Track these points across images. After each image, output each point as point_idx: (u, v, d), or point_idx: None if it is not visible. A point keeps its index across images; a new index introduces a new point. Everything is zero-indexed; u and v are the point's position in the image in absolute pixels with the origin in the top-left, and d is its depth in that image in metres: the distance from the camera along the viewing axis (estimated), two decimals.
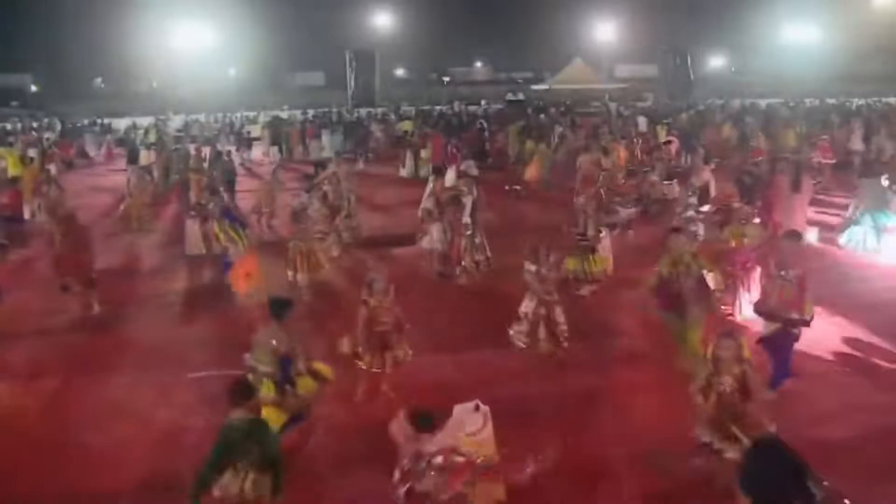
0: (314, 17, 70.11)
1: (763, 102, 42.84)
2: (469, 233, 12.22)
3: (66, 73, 69.95)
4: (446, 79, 77.81)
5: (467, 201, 12.23)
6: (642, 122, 30.44)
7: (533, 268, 8.62)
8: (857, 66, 67.18)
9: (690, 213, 13.88)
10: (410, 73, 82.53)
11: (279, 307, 7.20)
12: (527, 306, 8.78)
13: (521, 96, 44.53)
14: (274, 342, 6.94)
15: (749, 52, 75.99)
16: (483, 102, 45.16)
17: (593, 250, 11.48)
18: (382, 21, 73.58)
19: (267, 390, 6.78)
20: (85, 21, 64.73)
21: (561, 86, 44.06)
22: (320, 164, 17.48)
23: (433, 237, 12.69)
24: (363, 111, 41.33)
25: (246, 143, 27.34)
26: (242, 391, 5.63)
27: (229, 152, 22.36)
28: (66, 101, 62.17)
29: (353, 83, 45.27)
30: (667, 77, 49.40)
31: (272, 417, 6.51)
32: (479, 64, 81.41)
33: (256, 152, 30.35)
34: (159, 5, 61.37)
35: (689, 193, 14.30)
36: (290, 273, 11.53)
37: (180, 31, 61.38)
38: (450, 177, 22.33)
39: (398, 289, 8.29)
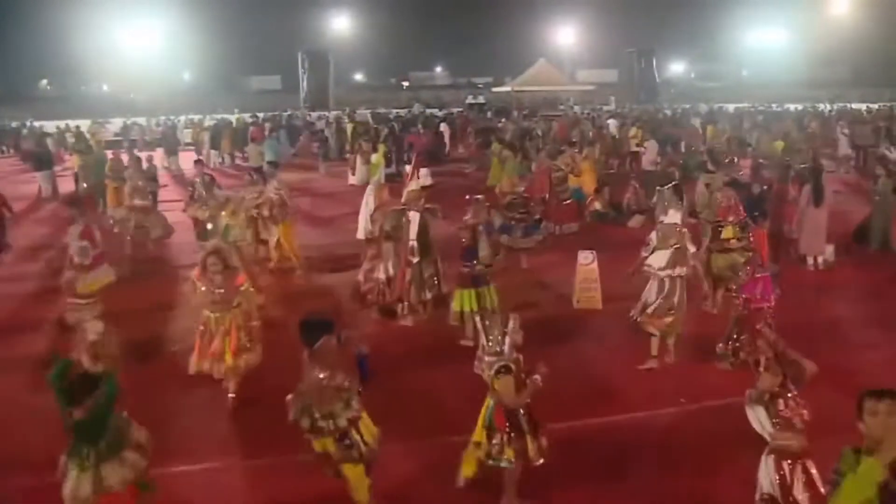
0: (271, 20, 67.05)
1: (731, 107, 40.84)
2: (416, 261, 9.24)
3: (9, 73, 65.59)
4: (406, 83, 74.86)
5: (413, 220, 9.28)
6: (612, 124, 27.82)
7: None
8: (815, 72, 66.42)
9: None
10: (370, 78, 79.65)
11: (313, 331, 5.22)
12: None
13: (481, 99, 41.84)
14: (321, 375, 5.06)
15: (710, 59, 74.93)
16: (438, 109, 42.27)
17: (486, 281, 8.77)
18: (341, 24, 70.71)
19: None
20: (29, 21, 60.77)
21: (524, 88, 41.33)
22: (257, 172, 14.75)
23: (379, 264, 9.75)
24: (315, 114, 38.15)
25: (170, 147, 24.05)
26: None
27: (150, 157, 19.11)
28: (9, 102, 58.03)
29: (305, 85, 42.01)
30: (632, 80, 47.11)
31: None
32: (439, 69, 78.66)
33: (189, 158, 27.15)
34: (110, 6, 57.88)
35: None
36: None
37: (132, 32, 57.89)
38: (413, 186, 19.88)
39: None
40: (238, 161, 28.07)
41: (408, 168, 19.93)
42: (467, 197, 18.58)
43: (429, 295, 9.29)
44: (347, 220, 16.02)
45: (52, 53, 64.11)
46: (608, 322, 9.59)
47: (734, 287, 7.94)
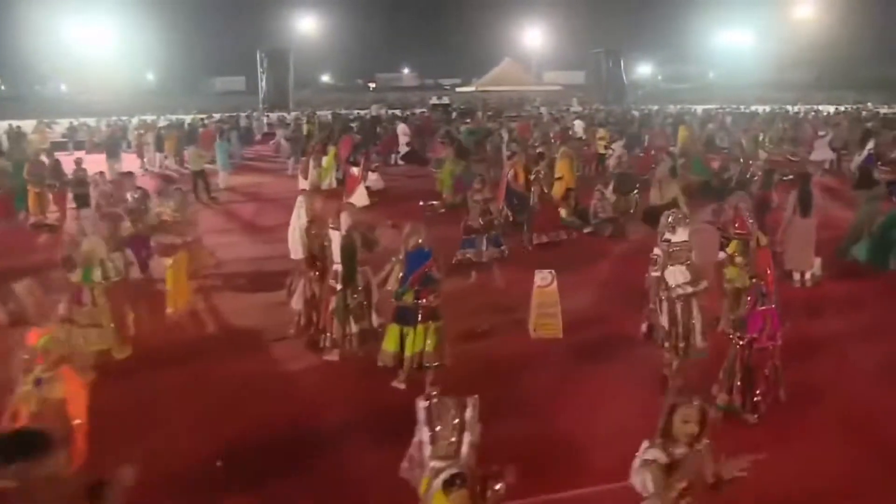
0: (236, 21, 65.19)
1: (699, 108, 39.78)
2: (340, 288, 7.63)
3: None
4: (372, 84, 73.10)
5: (334, 241, 7.69)
6: (579, 126, 26.42)
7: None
8: (781, 75, 66.08)
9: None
10: (337, 79, 77.83)
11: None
12: None
13: (445, 100, 40.22)
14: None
15: (677, 60, 74.35)
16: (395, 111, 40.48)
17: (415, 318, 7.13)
18: (307, 25, 68.96)
19: None
20: None
21: (489, 88, 39.78)
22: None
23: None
24: (275, 115, 36.29)
25: (112, 150, 22.06)
26: None
27: (80, 160, 17.26)
28: None
29: (264, 85, 40.03)
30: (599, 81, 45.82)
31: None
32: (407, 70, 76.99)
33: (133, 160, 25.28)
34: (67, 4, 55.52)
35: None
36: None
37: (89, 31, 55.59)
38: (361, 193, 18.22)
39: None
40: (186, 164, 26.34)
41: (355, 171, 18.50)
42: (421, 203, 17.31)
43: (355, 328, 7.66)
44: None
45: (6, 51, 61.52)
46: (571, 356, 8.08)
47: (733, 320, 6.45)
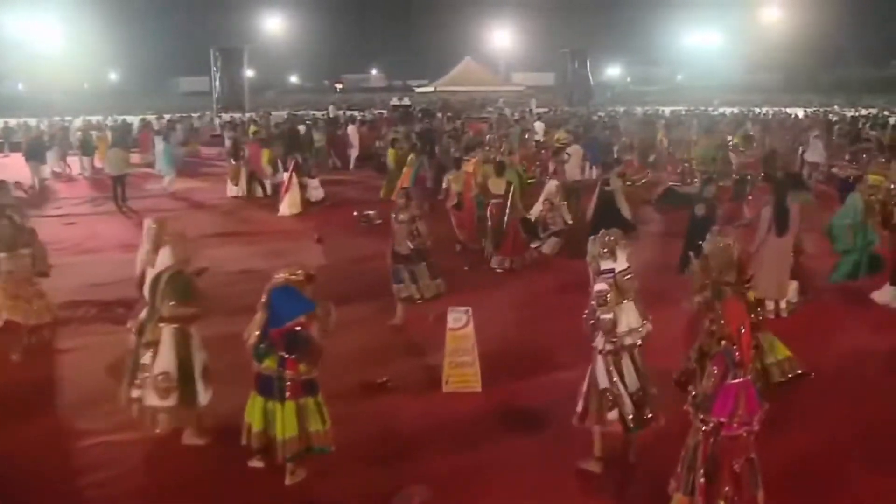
0: (201, 20, 62.70)
1: (667, 110, 38.23)
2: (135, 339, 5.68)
3: None
4: (339, 86, 70.91)
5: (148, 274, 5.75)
6: (539, 127, 24.60)
7: None
8: (748, 77, 65.10)
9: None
10: (305, 80, 75.63)
11: None
12: None
13: (406, 101, 38.27)
14: None
15: (646, 63, 73.17)
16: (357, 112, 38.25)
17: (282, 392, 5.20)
18: (274, 25, 66.73)
19: None
20: None
21: (449, 87, 37.86)
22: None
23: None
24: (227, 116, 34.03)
25: (33, 152, 19.80)
26: None
27: None
28: None
29: (218, 85, 37.72)
30: (566, 81, 44.10)
31: None
32: (375, 71, 74.85)
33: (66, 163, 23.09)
34: (27, 2, 52.74)
35: None
36: None
37: (47, 29, 52.78)
38: (291, 201, 16.24)
39: None
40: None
41: (284, 177, 16.51)
42: (355, 213, 15.38)
43: (158, 399, 5.63)
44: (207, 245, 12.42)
45: None
46: (490, 420, 6.21)
47: (693, 397, 4.59)
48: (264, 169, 17.90)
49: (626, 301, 5.12)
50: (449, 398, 6.61)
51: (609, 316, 5.03)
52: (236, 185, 18.38)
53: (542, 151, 19.14)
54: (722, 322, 4.51)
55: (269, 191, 17.84)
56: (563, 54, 44.32)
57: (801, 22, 58.04)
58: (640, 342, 5.20)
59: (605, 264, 5.12)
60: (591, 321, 5.11)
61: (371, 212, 14.66)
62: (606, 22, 67.09)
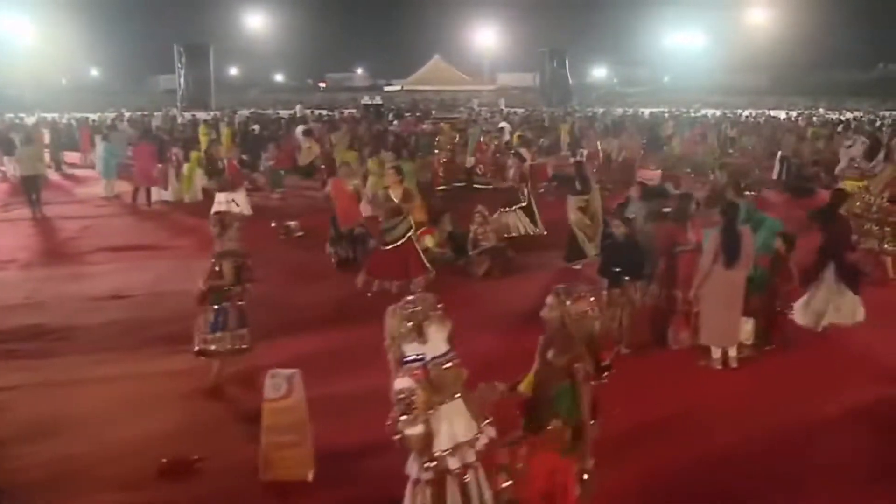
0: (181, 18, 60.56)
1: (647, 111, 36.52)
2: None
3: None
4: (322, 84, 68.94)
5: None
6: (507, 128, 22.75)
7: None
8: (735, 79, 63.38)
9: None
10: (289, 79, 73.71)
11: None
12: None
13: (378, 100, 36.34)
14: None
15: (632, 64, 71.44)
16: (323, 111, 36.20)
17: None
18: (260, 23, 64.94)
19: None
20: None
21: (416, 87, 35.97)
22: None
23: None
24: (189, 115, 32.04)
25: None
26: None
27: None
28: None
29: (182, 82, 35.76)
30: (544, 81, 42.29)
31: None
32: (360, 70, 72.87)
33: None
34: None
35: None
36: None
37: (23, 24, 50.71)
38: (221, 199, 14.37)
39: None
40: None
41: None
42: (273, 224, 13.56)
43: None
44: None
45: None
46: None
47: None
48: (193, 173, 16.03)
49: (447, 403, 3.31)
50: (269, 490, 4.81)
51: (417, 430, 3.22)
52: (165, 189, 16.55)
53: (498, 155, 17.31)
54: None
55: (199, 196, 15.92)
56: (540, 53, 42.44)
57: (787, 24, 56.47)
58: (474, 460, 3.40)
59: (410, 348, 3.31)
60: (395, 435, 3.31)
61: (292, 223, 12.85)
62: (593, 23, 65.32)
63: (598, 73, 73.47)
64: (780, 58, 59.97)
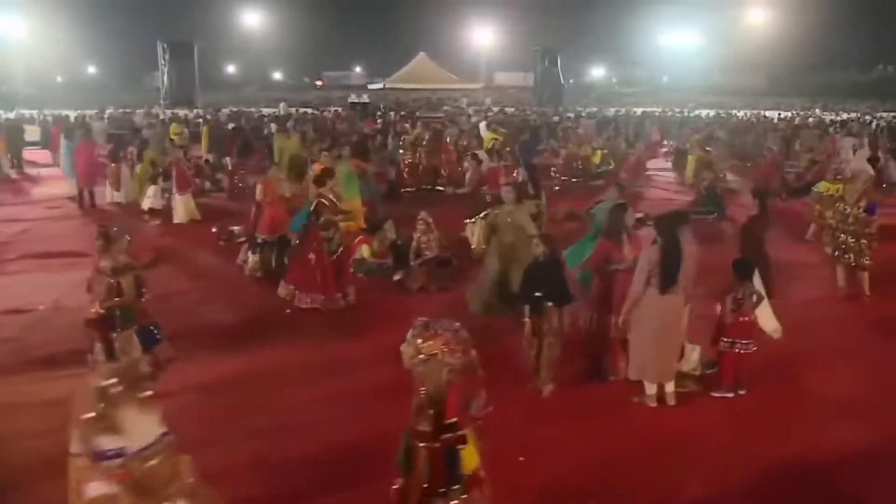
0: (180, 15, 59.79)
1: (639, 111, 35.57)
2: None
3: None
4: (319, 83, 68.06)
5: None
6: (483, 128, 21.88)
7: None
8: (732, 79, 62.33)
9: None
10: (287, 77, 72.87)
11: None
12: None
13: (365, 98, 35.46)
14: None
15: (631, 64, 70.42)
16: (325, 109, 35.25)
17: None
18: (257, 20, 64.15)
19: None
20: None
21: (400, 85, 35.02)
22: None
23: None
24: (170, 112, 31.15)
25: None
26: None
27: None
28: None
29: (165, 80, 34.87)
30: (536, 80, 41.34)
31: None
32: (359, 69, 71.89)
33: None
34: None
35: None
36: None
37: (16, 20, 49.91)
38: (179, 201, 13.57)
39: None
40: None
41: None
42: (214, 230, 12.67)
43: None
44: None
45: None
46: None
47: None
48: (146, 175, 15.10)
49: None
50: None
51: None
52: (117, 190, 15.67)
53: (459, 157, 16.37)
54: None
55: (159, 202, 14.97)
56: (533, 52, 41.45)
57: (787, 25, 55.43)
58: None
59: (106, 440, 2.42)
60: None
61: (236, 228, 11.93)
62: (593, 22, 64.32)
63: (597, 72, 72.43)
64: (778, 58, 58.94)
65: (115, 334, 5.54)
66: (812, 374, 6.53)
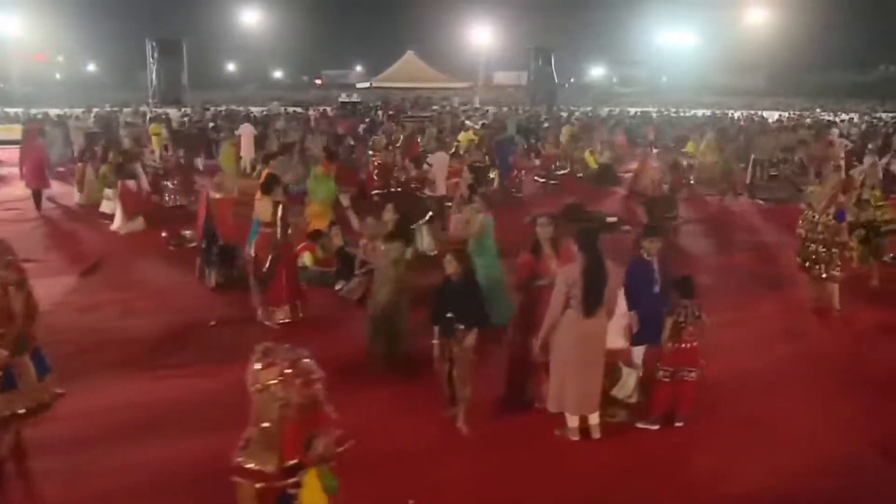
0: (177, 12, 59.43)
1: (634, 110, 34.87)
2: None
3: None
4: (319, 81, 67.56)
5: None
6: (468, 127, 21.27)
7: None
8: (731, 80, 61.53)
9: None
10: (287, 76, 72.44)
11: None
12: None
13: (356, 97, 34.86)
14: None
15: (631, 64, 69.66)
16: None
17: None
18: (257, 19, 63.63)
19: None
20: None
21: (387, 84, 34.34)
22: None
23: None
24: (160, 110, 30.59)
25: None
26: None
27: None
28: None
29: (154, 77, 34.32)
30: (529, 80, 40.70)
31: None
32: (359, 67, 71.26)
33: None
34: None
35: None
36: None
37: (13, 19, 49.60)
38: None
39: None
40: None
41: (130, 184, 13.15)
42: (164, 234, 12.11)
43: None
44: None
45: None
46: None
47: None
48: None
49: None
50: None
51: None
52: (81, 191, 15.17)
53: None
54: None
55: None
56: (527, 51, 40.77)
57: (787, 25, 54.63)
58: None
59: None
60: None
61: (188, 232, 11.39)
62: (593, 22, 63.64)
63: (597, 72, 71.68)
64: (779, 58, 58.10)
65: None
66: (759, 402, 5.93)
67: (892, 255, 10.74)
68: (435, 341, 5.28)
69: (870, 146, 18.30)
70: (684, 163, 15.09)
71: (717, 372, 5.79)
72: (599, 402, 5.22)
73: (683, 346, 5.28)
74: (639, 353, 5.89)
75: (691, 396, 5.43)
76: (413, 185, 13.16)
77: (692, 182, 15.41)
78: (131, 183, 12.84)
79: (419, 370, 5.82)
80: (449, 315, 5.20)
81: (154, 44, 33.76)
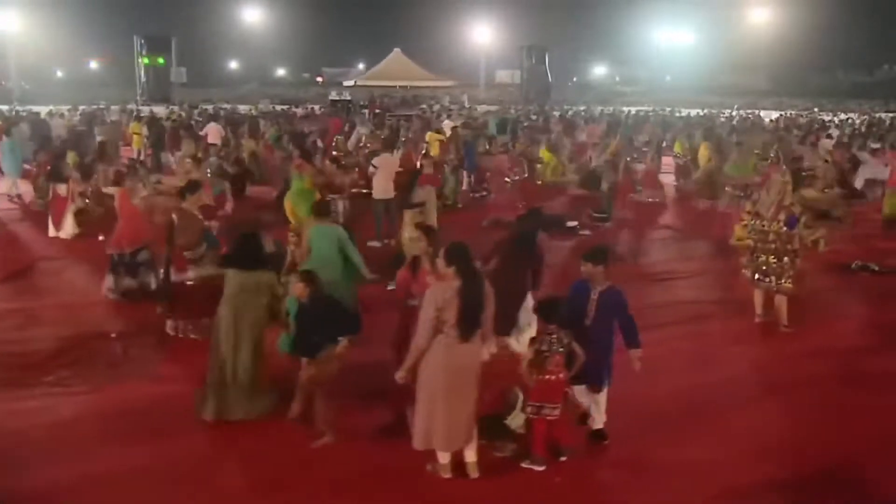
0: (179, 9, 59.24)
1: (631, 110, 34.20)
2: None
3: None
4: (319, 79, 67.19)
5: None
6: (447, 126, 20.70)
7: None
8: (734, 79, 60.71)
9: None
10: (288, 73, 72.18)
11: None
12: None
13: (346, 96, 34.35)
14: None
15: (633, 63, 68.91)
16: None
17: None
18: (259, 17, 63.39)
19: None
20: None
21: (373, 82, 33.85)
22: None
23: None
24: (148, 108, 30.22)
25: None
26: None
27: None
28: None
29: (143, 75, 33.95)
30: (522, 78, 40.09)
31: None
32: (361, 65, 70.90)
33: None
34: None
35: None
36: None
37: (13, 17, 49.40)
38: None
39: None
40: None
41: (61, 190, 12.61)
42: (101, 237, 11.53)
43: None
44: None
45: None
46: None
47: None
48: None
49: None
50: None
51: None
52: (36, 192, 14.68)
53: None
54: None
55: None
56: (520, 49, 40.15)
57: (790, 25, 53.83)
58: None
59: None
60: None
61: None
62: (594, 21, 63.02)
63: (600, 71, 70.99)
64: (781, 58, 57.34)
65: None
66: (671, 434, 5.34)
67: (858, 262, 10.21)
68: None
69: (855, 148, 17.55)
70: (640, 166, 14.45)
71: (631, 393, 5.21)
72: (482, 434, 4.66)
73: (548, 378, 4.67)
74: (580, 392, 5.18)
75: (564, 432, 4.83)
76: (356, 189, 12.63)
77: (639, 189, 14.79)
78: (62, 188, 12.32)
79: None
80: (316, 338, 4.65)
81: (143, 41, 33.31)
